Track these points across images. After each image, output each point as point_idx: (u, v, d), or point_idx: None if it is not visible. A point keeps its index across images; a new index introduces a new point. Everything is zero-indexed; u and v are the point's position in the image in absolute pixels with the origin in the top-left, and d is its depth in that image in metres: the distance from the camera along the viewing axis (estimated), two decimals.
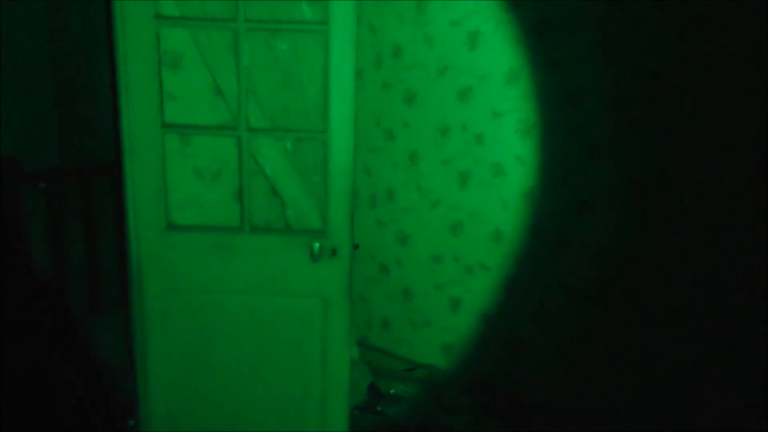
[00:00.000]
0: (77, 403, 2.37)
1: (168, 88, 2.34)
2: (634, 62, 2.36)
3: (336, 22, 1.98)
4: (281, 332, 2.23)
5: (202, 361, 2.25)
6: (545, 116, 2.63)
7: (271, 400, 2.29)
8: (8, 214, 2.54)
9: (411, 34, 2.95)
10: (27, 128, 3.63)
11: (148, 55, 2.03)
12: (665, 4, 2.25)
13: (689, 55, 2.24)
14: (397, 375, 3.08)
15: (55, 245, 2.91)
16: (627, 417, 2.55)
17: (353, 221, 2.14)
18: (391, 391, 2.94)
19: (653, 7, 2.28)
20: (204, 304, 2.21)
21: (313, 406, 2.29)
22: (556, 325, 2.72)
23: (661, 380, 2.46)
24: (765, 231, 2.14)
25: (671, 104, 2.30)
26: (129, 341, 2.28)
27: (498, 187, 2.80)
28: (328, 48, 2.01)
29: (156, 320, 2.21)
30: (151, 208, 2.13)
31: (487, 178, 2.83)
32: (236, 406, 2.29)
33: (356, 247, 3.14)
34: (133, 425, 2.50)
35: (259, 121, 2.50)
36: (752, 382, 2.22)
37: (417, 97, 2.99)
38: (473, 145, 2.84)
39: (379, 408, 2.83)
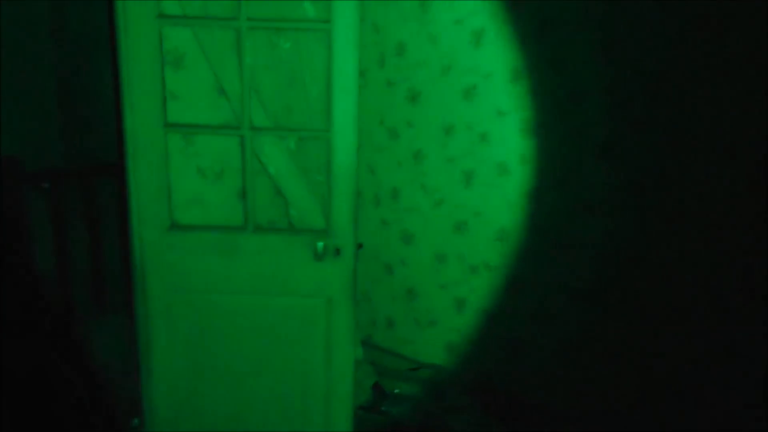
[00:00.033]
0: (77, 403, 2.37)
1: (170, 87, 2.34)
2: (634, 62, 2.34)
3: (339, 21, 1.97)
4: (285, 332, 2.22)
5: (206, 361, 2.25)
6: (546, 116, 2.61)
7: (274, 399, 2.28)
8: (8, 214, 2.53)
9: (415, 33, 2.93)
10: (30, 129, 3.63)
11: (151, 55, 2.02)
12: (665, 4, 2.23)
13: (689, 55, 2.23)
14: (401, 375, 3.07)
15: (58, 246, 2.91)
16: (627, 417, 2.54)
17: (357, 220, 2.13)
18: (396, 391, 2.93)
19: (653, 7, 2.27)
20: (207, 304, 2.20)
21: (316, 406, 2.28)
22: (557, 325, 2.72)
23: (661, 380, 2.45)
24: (765, 231, 2.14)
25: (671, 104, 2.29)
26: (133, 341, 2.28)
27: (503, 186, 2.79)
28: (331, 47, 1.99)
29: (159, 320, 2.21)
30: (154, 208, 2.13)
31: (491, 177, 2.81)
32: (239, 405, 2.29)
33: (360, 246, 3.14)
34: (137, 424, 2.49)
35: (262, 120, 2.49)
36: (752, 382, 2.21)
37: (421, 96, 2.97)
38: (478, 144, 2.83)
39: (383, 408, 2.82)
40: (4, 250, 2.54)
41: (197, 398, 2.27)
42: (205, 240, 2.16)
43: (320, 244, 2.12)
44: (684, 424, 2.39)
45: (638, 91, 2.35)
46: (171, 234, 2.15)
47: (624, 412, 2.55)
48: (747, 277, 2.20)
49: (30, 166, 2.86)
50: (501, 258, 2.85)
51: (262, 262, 2.17)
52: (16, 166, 2.75)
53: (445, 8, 2.81)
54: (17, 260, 2.56)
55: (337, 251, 2.14)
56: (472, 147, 2.84)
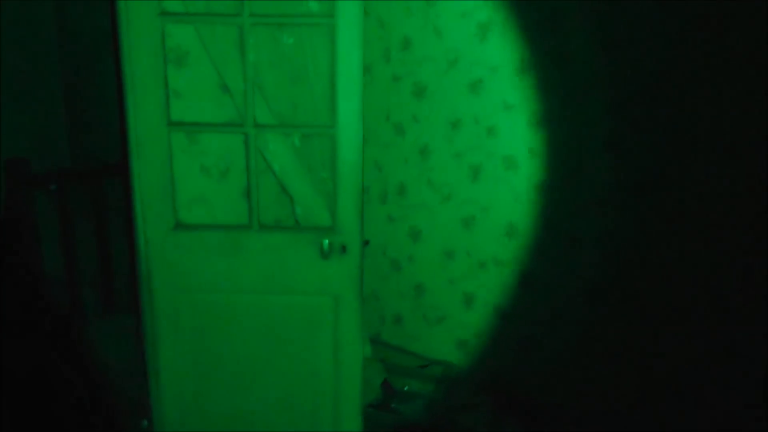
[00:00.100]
0: (77, 403, 2.37)
1: (173, 85, 2.32)
2: (634, 62, 2.32)
3: (343, 15, 1.95)
4: (292, 331, 2.21)
5: (213, 360, 2.24)
6: (553, 109, 2.59)
7: (281, 399, 2.27)
8: (8, 215, 2.54)
9: (420, 27, 2.90)
10: (37, 130, 3.64)
11: (153, 53, 2.01)
12: (665, 4, 2.21)
13: (689, 55, 2.21)
14: (410, 372, 3.05)
15: (65, 247, 2.91)
16: (627, 417, 2.53)
17: (363, 217, 2.11)
18: (405, 389, 2.91)
19: (653, 7, 2.24)
20: (213, 304, 2.19)
21: (325, 406, 2.26)
22: (559, 325, 2.70)
23: (661, 380, 2.44)
24: (765, 231, 2.13)
25: (671, 104, 2.27)
26: (141, 342, 2.27)
27: (510, 180, 2.75)
28: (335, 42, 1.97)
29: (166, 320, 2.20)
30: (158, 207, 2.12)
31: (499, 171, 2.78)
32: (247, 405, 2.28)
33: (367, 243, 3.11)
34: (146, 425, 2.49)
35: (266, 117, 2.48)
36: (752, 382, 2.20)
37: (427, 91, 2.94)
38: (485, 137, 2.80)
39: (393, 405, 2.80)
40: (4, 251, 2.55)
41: (204, 398, 2.27)
42: (210, 239, 2.14)
43: (326, 242, 2.10)
44: (684, 424, 2.39)
45: (638, 90, 2.33)
46: (175, 233, 2.14)
47: (624, 412, 2.54)
48: (747, 277, 2.20)
49: (36, 166, 2.86)
50: (509, 253, 2.82)
51: (267, 261, 2.15)
52: (23, 168, 2.76)
53: (451, 1, 2.77)
54: (18, 260, 2.56)
55: (344, 248, 2.11)
56: (479, 141, 2.81)
